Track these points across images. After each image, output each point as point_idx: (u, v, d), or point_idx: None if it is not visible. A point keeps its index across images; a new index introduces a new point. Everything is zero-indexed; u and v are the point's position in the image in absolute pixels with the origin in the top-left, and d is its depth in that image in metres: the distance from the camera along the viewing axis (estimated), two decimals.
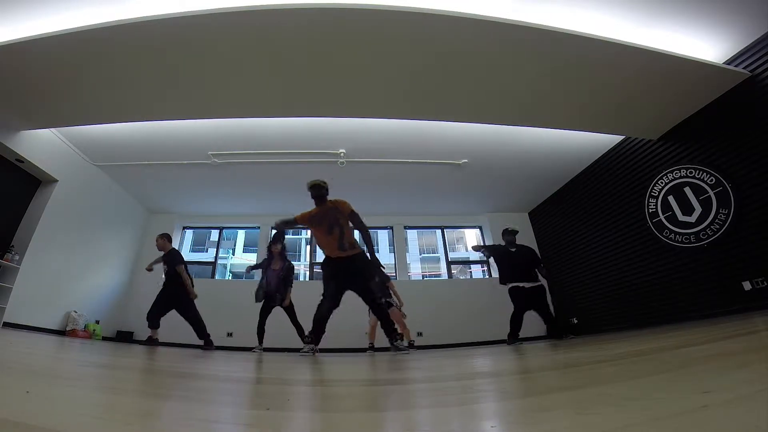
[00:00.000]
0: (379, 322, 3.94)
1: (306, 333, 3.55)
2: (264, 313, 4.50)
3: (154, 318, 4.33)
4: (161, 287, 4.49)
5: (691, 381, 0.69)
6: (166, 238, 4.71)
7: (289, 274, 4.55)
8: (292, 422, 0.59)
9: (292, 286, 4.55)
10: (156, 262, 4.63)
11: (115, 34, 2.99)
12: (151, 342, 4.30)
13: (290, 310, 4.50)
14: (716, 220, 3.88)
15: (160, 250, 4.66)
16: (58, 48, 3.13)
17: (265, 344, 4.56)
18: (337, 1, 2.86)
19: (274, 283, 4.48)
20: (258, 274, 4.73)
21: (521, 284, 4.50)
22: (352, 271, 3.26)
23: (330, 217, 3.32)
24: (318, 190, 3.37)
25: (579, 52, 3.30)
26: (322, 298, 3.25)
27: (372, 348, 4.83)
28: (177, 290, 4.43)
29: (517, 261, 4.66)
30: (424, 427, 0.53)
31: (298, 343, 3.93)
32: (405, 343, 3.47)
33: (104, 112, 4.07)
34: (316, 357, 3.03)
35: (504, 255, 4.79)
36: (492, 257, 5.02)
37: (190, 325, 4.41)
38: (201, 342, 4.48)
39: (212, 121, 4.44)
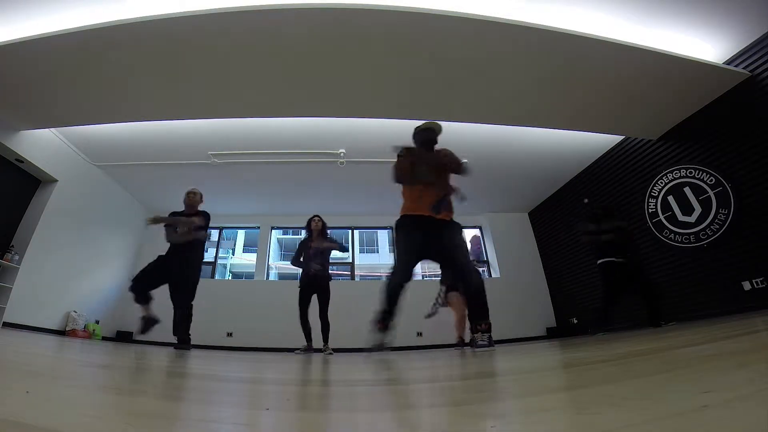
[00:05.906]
0: (465, 312, 3.47)
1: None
2: (304, 304, 3.85)
3: (146, 290, 3.33)
4: (169, 253, 3.50)
5: (691, 381, 0.69)
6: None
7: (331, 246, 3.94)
8: (292, 422, 0.59)
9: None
10: (175, 222, 3.55)
11: (115, 34, 2.99)
12: (151, 322, 3.35)
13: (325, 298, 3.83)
14: (716, 221, 3.88)
15: (191, 205, 3.63)
16: (58, 48, 3.13)
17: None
18: (338, 1, 2.86)
19: (316, 260, 3.85)
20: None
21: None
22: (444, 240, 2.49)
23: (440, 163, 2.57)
24: (430, 134, 2.66)
25: (579, 52, 3.31)
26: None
27: (462, 344, 4.01)
28: (196, 265, 3.55)
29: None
30: (424, 427, 0.53)
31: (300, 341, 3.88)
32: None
33: (104, 112, 4.08)
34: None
35: None
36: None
37: (178, 313, 3.44)
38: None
39: (212, 121, 4.45)
